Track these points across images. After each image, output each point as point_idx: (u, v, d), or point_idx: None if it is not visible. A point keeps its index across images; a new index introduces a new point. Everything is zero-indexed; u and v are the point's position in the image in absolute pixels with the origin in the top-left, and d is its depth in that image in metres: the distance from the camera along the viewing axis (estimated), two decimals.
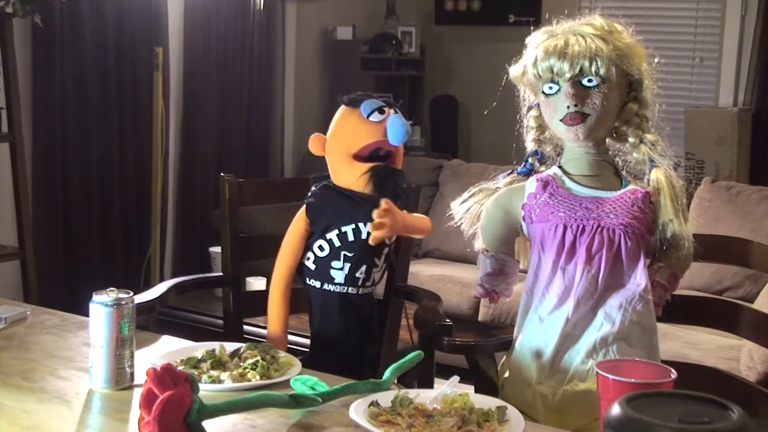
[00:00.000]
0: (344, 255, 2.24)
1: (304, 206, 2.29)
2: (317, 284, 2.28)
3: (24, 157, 3.99)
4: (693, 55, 6.16)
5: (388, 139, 2.19)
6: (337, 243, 2.24)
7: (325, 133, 2.32)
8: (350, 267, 2.25)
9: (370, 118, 2.21)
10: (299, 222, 2.29)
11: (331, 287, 2.27)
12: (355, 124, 2.23)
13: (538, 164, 2.15)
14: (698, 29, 6.18)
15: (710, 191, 4.56)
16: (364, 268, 2.26)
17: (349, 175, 2.22)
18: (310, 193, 2.30)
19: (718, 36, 6.04)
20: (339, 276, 2.26)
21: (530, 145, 2.17)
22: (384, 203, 2.14)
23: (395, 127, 2.20)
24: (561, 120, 1.99)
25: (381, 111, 2.21)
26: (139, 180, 4.82)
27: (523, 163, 2.17)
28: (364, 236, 2.23)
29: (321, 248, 2.26)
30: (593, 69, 1.94)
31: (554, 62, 1.97)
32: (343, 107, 2.28)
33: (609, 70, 1.94)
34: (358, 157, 2.21)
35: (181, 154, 5.22)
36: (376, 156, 2.21)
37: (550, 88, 2.00)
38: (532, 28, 2.07)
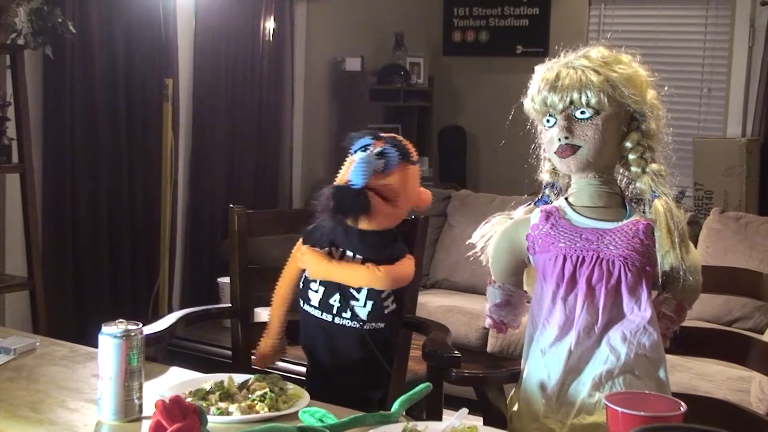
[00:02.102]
0: (320, 280, 2.31)
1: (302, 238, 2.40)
2: (301, 302, 2.36)
3: (34, 188, 4.00)
4: (701, 86, 6.18)
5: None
6: None
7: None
8: (324, 291, 2.30)
9: (353, 155, 2.28)
10: (299, 244, 2.39)
11: (308, 308, 2.33)
12: (347, 160, 2.30)
13: (554, 196, 2.15)
14: (706, 60, 6.20)
15: (719, 222, 4.55)
16: (337, 296, 2.29)
17: None
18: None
19: (726, 67, 6.06)
20: (314, 298, 2.32)
21: (545, 177, 2.17)
22: (301, 245, 2.32)
23: (354, 169, 2.24)
24: (555, 152, 2.00)
25: (365, 149, 2.27)
26: (148, 211, 4.83)
27: (540, 195, 2.17)
28: None
29: None
30: (583, 101, 1.94)
31: (546, 95, 1.98)
32: None
33: (600, 101, 1.94)
34: None
35: (190, 184, 5.24)
36: None
37: (548, 121, 2.01)
38: (547, 58, 2.07)
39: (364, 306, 2.30)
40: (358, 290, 2.29)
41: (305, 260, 2.31)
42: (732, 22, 5.99)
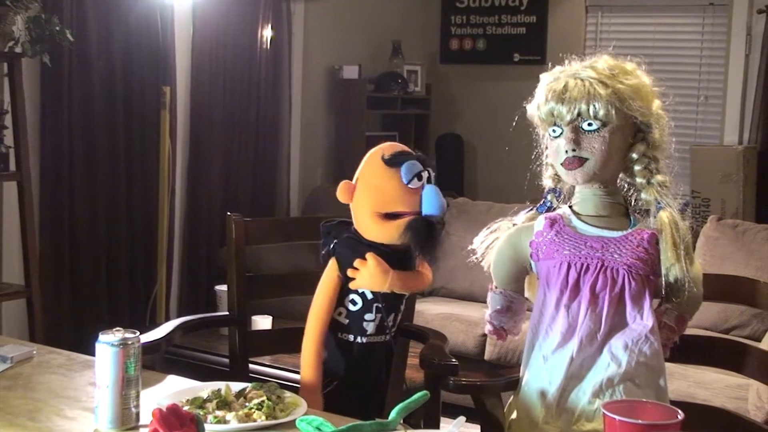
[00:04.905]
0: (377, 306, 2.24)
1: (334, 260, 2.26)
2: (350, 338, 2.27)
3: (31, 196, 4.00)
4: (698, 94, 6.20)
5: (422, 209, 2.19)
6: (369, 296, 2.23)
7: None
8: (381, 317, 2.25)
9: (409, 184, 2.20)
10: (331, 276, 2.26)
11: (364, 339, 2.26)
12: (393, 187, 2.21)
13: (556, 202, 2.15)
14: (703, 68, 6.22)
15: (716, 229, 4.55)
16: (392, 316, 2.26)
17: (380, 231, 2.21)
18: (333, 246, 2.27)
19: (723, 74, 6.07)
20: (371, 327, 2.26)
21: (548, 183, 2.17)
22: (369, 257, 2.17)
23: (431, 201, 2.20)
24: (561, 164, 2.00)
25: (419, 176, 2.20)
26: (145, 218, 4.83)
27: (542, 201, 2.17)
28: None
29: (354, 302, 2.25)
30: (591, 112, 1.95)
31: (553, 106, 1.98)
32: (381, 164, 2.24)
33: (608, 114, 1.94)
34: (388, 216, 2.20)
35: (188, 192, 5.23)
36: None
37: (554, 131, 2.02)
38: (548, 66, 2.07)
39: (401, 313, 2.34)
40: (402, 302, 2.29)
41: (373, 273, 2.19)
42: (729, 30, 6.00)
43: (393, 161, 2.22)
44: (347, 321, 2.26)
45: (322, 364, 2.28)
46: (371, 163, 2.26)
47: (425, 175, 2.21)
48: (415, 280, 2.29)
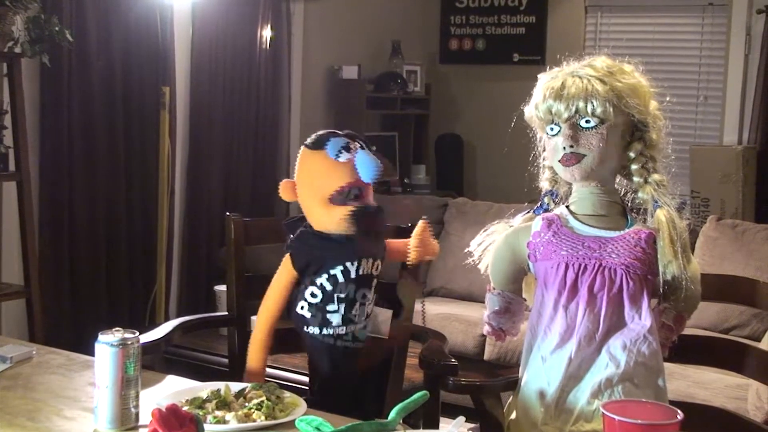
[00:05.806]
0: (337, 297, 2.23)
1: (289, 256, 2.28)
2: (316, 331, 2.26)
3: (31, 196, 4.00)
4: (697, 94, 6.20)
5: (360, 178, 2.19)
6: (328, 287, 2.23)
7: None
8: (345, 307, 2.24)
9: (339, 159, 2.19)
10: (285, 272, 2.28)
11: (330, 330, 2.25)
12: (324, 167, 2.21)
13: (553, 204, 2.16)
14: (702, 68, 6.22)
15: (716, 229, 4.55)
16: (357, 305, 2.26)
17: (328, 220, 2.21)
18: (289, 242, 2.28)
19: (722, 74, 6.07)
20: (336, 318, 2.24)
21: (545, 185, 2.18)
22: (422, 223, 2.26)
23: (366, 165, 2.18)
24: (559, 161, 2.01)
25: (347, 149, 2.20)
26: (145, 219, 4.83)
27: (539, 203, 2.17)
28: (353, 275, 2.23)
29: (314, 295, 2.24)
30: (589, 110, 1.95)
31: (552, 104, 1.98)
32: (306, 150, 2.26)
33: (606, 111, 1.95)
34: (333, 199, 2.20)
35: (187, 192, 5.23)
36: (351, 195, 2.20)
37: (552, 129, 2.02)
38: (547, 67, 2.07)
39: (371, 301, 2.33)
40: (370, 289, 2.29)
41: (428, 241, 2.35)
42: (728, 30, 6.01)
43: (316, 144, 2.23)
44: (310, 314, 2.26)
45: (267, 359, 2.33)
46: (300, 155, 2.28)
47: (355, 146, 2.21)
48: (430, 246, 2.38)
